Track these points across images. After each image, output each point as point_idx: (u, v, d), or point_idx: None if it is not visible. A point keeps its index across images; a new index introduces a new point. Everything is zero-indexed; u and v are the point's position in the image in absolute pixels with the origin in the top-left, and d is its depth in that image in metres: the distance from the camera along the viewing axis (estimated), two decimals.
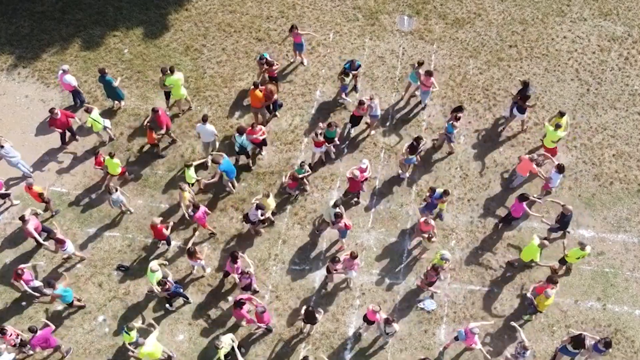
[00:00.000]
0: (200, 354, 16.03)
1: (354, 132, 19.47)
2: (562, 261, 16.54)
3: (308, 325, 16.05)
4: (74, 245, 16.92)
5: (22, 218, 16.27)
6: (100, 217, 18.01)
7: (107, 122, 18.74)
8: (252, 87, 18.27)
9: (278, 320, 16.45)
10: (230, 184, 18.10)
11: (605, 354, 14.85)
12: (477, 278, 17.19)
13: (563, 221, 16.76)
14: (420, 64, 18.78)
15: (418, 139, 17.49)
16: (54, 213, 17.74)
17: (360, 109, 18.31)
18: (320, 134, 17.73)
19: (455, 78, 20.56)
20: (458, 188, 18.57)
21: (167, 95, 19.23)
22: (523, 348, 14.75)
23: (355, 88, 20.14)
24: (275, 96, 18.84)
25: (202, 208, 16.68)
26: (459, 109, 18.26)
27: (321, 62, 20.89)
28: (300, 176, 17.48)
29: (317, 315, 15.38)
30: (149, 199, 18.31)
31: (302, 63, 20.67)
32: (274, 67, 19.02)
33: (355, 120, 18.77)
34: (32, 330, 14.69)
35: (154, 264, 15.66)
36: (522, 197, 16.51)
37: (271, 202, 16.88)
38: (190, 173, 17.25)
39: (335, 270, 15.95)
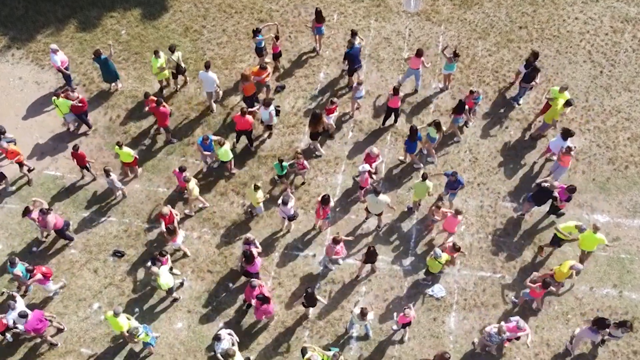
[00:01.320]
0: (200, 343, 15.34)
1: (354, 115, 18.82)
2: (554, 241, 15.93)
3: (310, 310, 15.41)
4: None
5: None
6: (96, 202, 17.34)
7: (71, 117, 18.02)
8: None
9: (280, 308, 15.76)
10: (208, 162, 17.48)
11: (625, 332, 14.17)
12: (487, 264, 16.49)
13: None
14: (457, 55, 18.30)
15: (413, 130, 16.75)
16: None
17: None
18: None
19: (464, 60, 19.86)
20: (467, 172, 17.87)
21: (174, 75, 18.59)
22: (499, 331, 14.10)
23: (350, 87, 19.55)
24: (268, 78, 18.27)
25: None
26: (460, 108, 17.40)
27: (325, 44, 20.19)
28: (280, 175, 17.03)
29: (317, 298, 14.70)
30: (146, 182, 17.64)
31: (315, 49, 19.85)
32: (277, 42, 18.47)
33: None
34: (22, 315, 14.02)
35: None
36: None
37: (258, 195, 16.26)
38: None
39: (336, 253, 15.31)
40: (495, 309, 15.87)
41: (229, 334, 14.29)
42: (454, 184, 16.10)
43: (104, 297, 15.96)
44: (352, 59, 18.25)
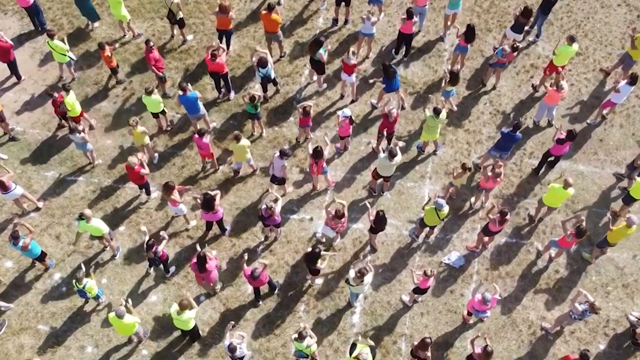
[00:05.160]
0: None
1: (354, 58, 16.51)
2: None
3: (317, 280, 13.22)
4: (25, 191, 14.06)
5: None
6: (61, 160, 15.09)
7: (72, 55, 15.75)
8: (266, 10, 15.22)
9: (273, 278, 13.46)
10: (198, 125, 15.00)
11: None
12: (513, 229, 14.20)
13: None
14: None
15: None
16: None
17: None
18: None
19: (482, 4, 17.52)
20: (488, 126, 15.56)
21: (181, 23, 16.29)
22: (591, 307, 11.88)
23: (345, 21, 17.20)
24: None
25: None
26: (453, 78, 14.73)
27: None
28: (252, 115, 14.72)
29: (319, 262, 12.43)
30: (119, 138, 15.38)
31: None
32: None
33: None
34: None
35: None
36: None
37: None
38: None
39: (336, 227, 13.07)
40: (523, 280, 13.59)
41: (239, 340, 11.79)
42: (510, 140, 13.84)
43: (66, 266, 13.72)
44: None
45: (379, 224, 12.92)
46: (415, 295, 12.99)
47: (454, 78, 14.58)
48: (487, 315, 12.34)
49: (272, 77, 15.01)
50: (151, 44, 14.77)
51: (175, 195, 13.06)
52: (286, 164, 13.67)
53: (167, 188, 12.93)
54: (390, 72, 14.49)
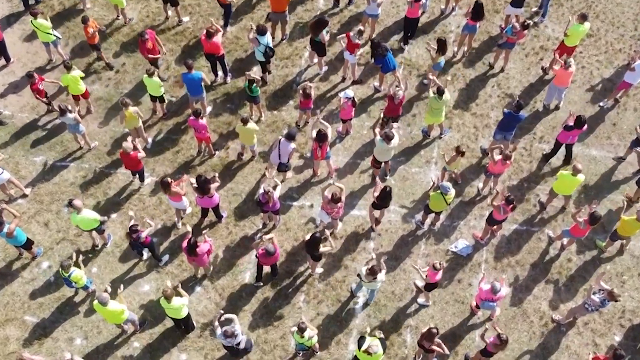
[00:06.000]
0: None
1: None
2: None
3: (317, 267, 12.63)
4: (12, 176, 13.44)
5: None
6: (51, 144, 14.46)
7: (57, 33, 15.08)
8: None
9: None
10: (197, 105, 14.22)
11: None
12: (523, 216, 13.55)
13: None
14: None
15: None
16: None
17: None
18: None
19: None
20: (496, 109, 14.90)
21: (173, 1, 15.62)
22: (609, 295, 11.24)
23: (349, 2, 16.56)
24: None
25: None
26: (440, 46, 13.99)
27: None
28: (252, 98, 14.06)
29: (321, 246, 11.79)
30: (111, 123, 14.73)
31: None
32: None
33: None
34: None
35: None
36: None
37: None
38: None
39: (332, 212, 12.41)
40: (534, 269, 12.94)
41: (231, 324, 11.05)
42: (513, 120, 13.14)
43: (55, 254, 13.09)
44: None
45: (382, 199, 12.25)
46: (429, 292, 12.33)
47: (441, 46, 13.86)
48: (496, 306, 11.65)
49: (271, 47, 14.30)
50: (146, 36, 14.09)
51: (176, 188, 12.36)
52: (295, 148, 12.98)
53: (165, 185, 12.19)
54: (379, 52, 13.81)
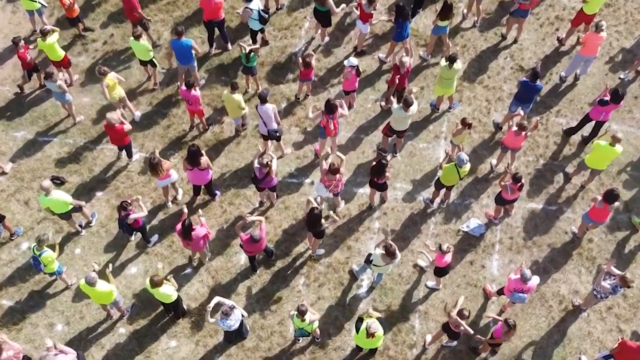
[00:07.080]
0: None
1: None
2: None
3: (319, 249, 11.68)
4: None
5: None
6: (33, 119, 13.51)
7: (42, 1, 14.11)
8: None
9: (268, 247, 11.87)
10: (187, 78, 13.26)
11: None
12: (538, 194, 12.61)
13: None
14: None
15: None
16: None
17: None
18: None
19: None
20: (509, 82, 13.95)
21: None
22: (621, 281, 10.26)
23: None
24: None
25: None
26: (444, 9, 13.08)
27: None
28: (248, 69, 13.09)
29: (322, 223, 10.82)
30: (97, 96, 13.77)
31: None
32: None
33: None
34: None
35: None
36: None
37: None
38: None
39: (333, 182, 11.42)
40: (552, 250, 11.99)
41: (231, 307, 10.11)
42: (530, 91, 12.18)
43: (35, 235, 12.06)
44: None
45: (376, 172, 11.28)
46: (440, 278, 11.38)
47: (446, 9, 12.89)
48: (525, 298, 10.56)
49: (264, 9, 13.34)
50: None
51: (164, 166, 11.38)
52: (274, 107, 12.00)
53: (153, 166, 11.21)
54: (404, 13, 12.87)
